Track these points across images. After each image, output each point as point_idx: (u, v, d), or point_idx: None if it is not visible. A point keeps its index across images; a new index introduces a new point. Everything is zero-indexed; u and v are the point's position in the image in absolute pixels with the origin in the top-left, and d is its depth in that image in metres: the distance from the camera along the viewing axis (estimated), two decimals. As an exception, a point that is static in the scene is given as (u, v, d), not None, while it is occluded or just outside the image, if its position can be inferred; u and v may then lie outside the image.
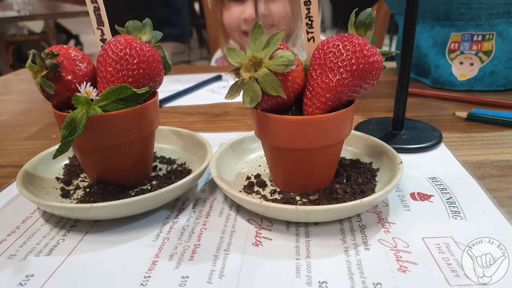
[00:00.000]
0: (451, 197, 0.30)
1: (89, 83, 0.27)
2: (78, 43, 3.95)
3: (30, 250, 0.26)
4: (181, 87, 0.56)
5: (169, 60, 0.31)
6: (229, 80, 0.62)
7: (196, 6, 3.58)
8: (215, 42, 1.06)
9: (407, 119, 0.41)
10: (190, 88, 0.56)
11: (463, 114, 0.44)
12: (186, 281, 0.22)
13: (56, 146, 0.34)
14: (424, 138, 0.38)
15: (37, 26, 2.98)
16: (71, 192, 0.30)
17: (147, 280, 0.22)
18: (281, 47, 0.26)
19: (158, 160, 0.34)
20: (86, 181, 0.32)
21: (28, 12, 1.72)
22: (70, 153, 0.35)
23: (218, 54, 0.94)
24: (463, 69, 0.52)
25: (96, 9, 0.31)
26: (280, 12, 0.76)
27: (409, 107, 0.48)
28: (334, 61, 0.25)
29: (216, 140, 0.40)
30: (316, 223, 0.27)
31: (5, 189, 0.33)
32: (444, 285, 0.21)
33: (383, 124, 0.41)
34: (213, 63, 0.94)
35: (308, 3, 0.28)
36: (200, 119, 0.47)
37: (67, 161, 0.35)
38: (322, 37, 0.61)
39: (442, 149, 0.37)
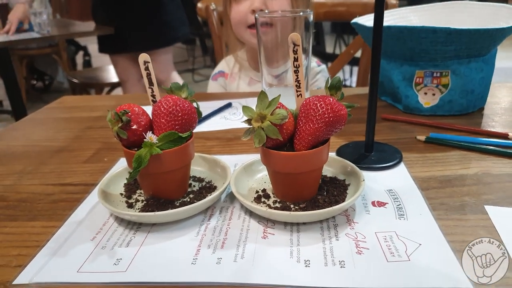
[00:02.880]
0: (400, 204, 0.42)
1: (151, 131, 0.40)
2: (87, 54, 4.11)
3: (114, 243, 0.38)
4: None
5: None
6: (238, 107, 0.74)
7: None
8: (220, 55, 1.16)
9: (377, 142, 0.54)
10: (207, 115, 0.69)
11: (422, 137, 0.56)
12: (220, 261, 0.35)
13: (117, 169, 0.47)
14: (388, 158, 0.50)
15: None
16: (133, 204, 0.43)
17: (196, 261, 0.35)
18: (279, 106, 0.39)
19: (191, 179, 0.47)
20: (142, 196, 0.45)
21: (47, 33, 1.86)
22: (126, 174, 0.48)
23: (218, 68, 1.02)
24: (427, 98, 0.64)
25: (148, 75, 0.44)
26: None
27: (382, 131, 0.61)
28: (314, 115, 0.38)
29: (231, 161, 0.53)
30: (304, 223, 0.40)
31: (83, 201, 0.46)
32: (384, 260, 0.34)
33: (358, 147, 0.53)
34: (210, 81, 1.02)
35: (297, 71, 0.41)
36: (217, 143, 0.60)
37: (125, 181, 0.48)
38: (314, 59, 0.79)
39: (401, 167, 0.50)
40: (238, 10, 0.84)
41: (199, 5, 1.16)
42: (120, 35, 1.81)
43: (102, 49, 1.92)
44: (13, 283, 0.34)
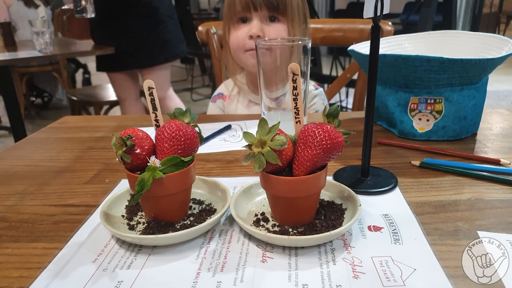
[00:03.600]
0: (395, 229, 0.43)
1: (154, 156, 0.41)
2: (86, 72, 4.15)
3: (115, 265, 0.39)
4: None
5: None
6: (237, 129, 0.76)
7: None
8: (219, 77, 1.19)
9: (373, 167, 0.56)
10: (207, 137, 0.70)
11: (417, 162, 0.58)
12: (220, 284, 0.36)
13: (118, 191, 0.48)
14: (383, 183, 0.52)
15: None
16: (135, 226, 0.44)
17: (196, 284, 0.36)
18: (278, 132, 0.40)
19: (192, 201, 0.48)
20: (144, 218, 0.46)
21: (49, 52, 1.89)
22: (128, 196, 0.49)
23: (218, 90, 1.04)
24: (421, 123, 0.66)
25: (152, 100, 0.45)
26: (278, 36, 0.84)
27: (378, 155, 0.62)
28: (312, 141, 0.40)
29: (231, 184, 0.54)
30: (302, 247, 0.40)
31: (85, 223, 0.47)
32: (380, 285, 0.35)
33: (354, 171, 0.55)
34: (210, 103, 1.04)
35: (296, 99, 0.43)
36: (217, 165, 0.61)
37: (127, 203, 0.48)
38: (312, 82, 0.80)
39: (396, 191, 0.51)
40: (236, 35, 0.87)
41: (200, 28, 1.20)
42: (118, 54, 1.84)
43: (99, 68, 1.95)
44: (15, 305, 0.34)
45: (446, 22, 2.86)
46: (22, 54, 1.97)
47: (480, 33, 0.75)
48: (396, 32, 0.98)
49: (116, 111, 2.63)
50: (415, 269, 0.37)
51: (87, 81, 4.13)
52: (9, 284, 0.37)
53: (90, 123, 0.86)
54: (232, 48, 0.89)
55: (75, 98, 2.44)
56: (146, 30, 1.81)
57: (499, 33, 5.84)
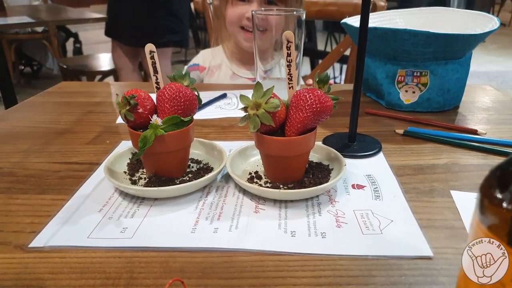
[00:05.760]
0: (377, 187, 0.47)
1: (156, 115, 0.44)
2: (77, 41, 4.07)
3: (120, 214, 0.43)
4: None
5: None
6: (232, 98, 0.79)
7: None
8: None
9: (360, 134, 0.59)
10: (203, 104, 0.73)
11: (401, 131, 0.62)
12: (217, 230, 0.40)
13: (119, 150, 0.51)
14: (368, 148, 0.56)
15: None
16: (137, 181, 0.48)
17: (195, 230, 0.40)
18: (272, 96, 0.43)
19: (190, 161, 0.52)
20: (145, 174, 0.49)
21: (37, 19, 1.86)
22: (129, 154, 0.52)
23: (194, 61, 1.03)
24: (407, 95, 0.70)
25: (153, 63, 0.47)
26: (275, 18, 0.89)
27: (365, 124, 0.66)
28: (303, 105, 0.43)
29: (226, 147, 0.57)
30: (291, 201, 0.44)
31: (89, 178, 0.50)
32: (360, 233, 0.39)
33: (342, 137, 0.58)
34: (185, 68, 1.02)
35: (289, 66, 0.45)
36: (213, 131, 0.64)
37: (128, 161, 0.51)
38: (305, 79, 0.82)
39: (380, 156, 0.55)
40: (234, 12, 0.89)
41: (196, -2, 1.20)
42: (121, 26, 1.84)
43: (107, 33, 1.95)
44: (29, 246, 0.38)
45: (441, 0, 2.86)
46: (12, 19, 1.94)
47: (468, 10, 0.77)
48: (391, 8, 1.00)
49: (109, 81, 2.62)
50: (392, 221, 0.41)
51: (78, 51, 4.06)
52: (22, 228, 0.41)
53: (87, 89, 0.88)
54: (228, 21, 0.91)
55: (66, 67, 2.42)
56: (134, 12, 1.80)
57: (493, 13, 5.84)
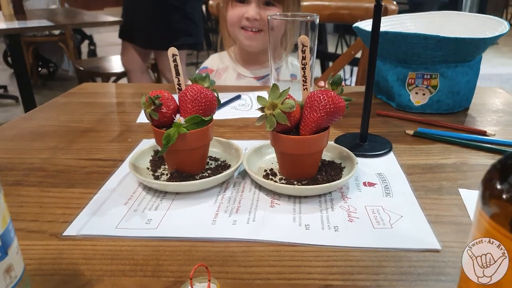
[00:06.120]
0: (387, 185, 0.49)
1: (179, 114, 0.47)
2: (92, 43, 4.16)
3: (144, 207, 0.46)
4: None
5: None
6: (246, 99, 0.81)
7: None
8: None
9: (371, 134, 0.61)
10: (219, 106, 0.76)
11: (411, 131, 0.64)
12: (235, 223, 0.42)
13: (141, 148, 0.54)
14: (379, 148, 0.58)
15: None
16: (159, 176, 0.50)
17: (215, 222, 0.42)
18: (288, 97, 0.46)
19: (208, 158, 0.54)
20: (166, 170, 0.52)
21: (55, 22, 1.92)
22: (151, 152, 0.55)
23: (204, 64, 1.07)
24: (418, 97, 0.72)
25: (175, 66, 0.50)
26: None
27: (376, 125, 0.68)
28: (317, 105, 0.45)
29: (242, 146, 0.59)
30: (305, 196, 0.47)
31: (114, 174, 0.53)
32: (371, 227, 0.41)
33: (354, 137, 0.60)
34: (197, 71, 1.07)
35: (304, 68, 0.48)
36: (229, 130, 0.67)
37: (150, 158, 0.55)
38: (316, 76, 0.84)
39: (390, 155, 0.57)
40: (234, 13, 0.93)
41: (211, 2, 1.23)
42: (136, 28, 1.88)
43: (120, 35, 2.00)
44: (63, 234, 0.41)
45: (453, 3, 2.86)
46: (31, 23, 2.00)
47: (478, 14, 0.79)
48: (402, 11, 1.02)
49: (123, 82, 2.67)
50: (401, 216, 0.43)
51: (92, 53, 4.14)
52: (56, 218, 0.44)
53: (108, 90, 0.92)
54: (229, 23, 0.95)
55: (82, 69, 2.48)
56: (153, 13, 1.84)
57: (507, 16, 5.77)
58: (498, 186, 0.22)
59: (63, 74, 3.89)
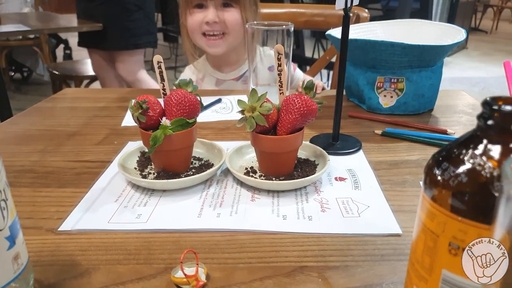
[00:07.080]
0: (356, 179, 0.54)
1: (165, 117, 0.50)
2: (67, 47, 4.10)
3: (134, 203, 0.49)
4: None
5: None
6: (226, 103, 0.85)
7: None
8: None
9: (343, 134, 0.66)
10: (202, 109, 0.80)
11: (379, 131, 0.69)
12: (219, 215, 0.46)
13: (129, 149, 0.58)
14: (350, 146, 0.63)
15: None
16: (146, 175, 0.54)
17: (200, 215, 0.46)
18: (266, 101, 0.50)
19: (192, 158, 0.58)
20: (153, 170, 0.55)
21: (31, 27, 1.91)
22: (138, 153, 0.58)
23: (182, 77, 1.06)
24: (386, 100, 0.78)
25: (160, 72, 0.54)
26: (233, 21, 0.91)
27: (348, 126, 0.73)
28: (292, 108, 0.50)
29: (223, 146, 0.63)
30: (283, 191, 0.51)
31: (102, 174, 0.56)
32: (341, 216, 0.46)
33: (327, 137, 0.65)
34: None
35: (280, 75, 0.52)
36: (211, 132, 0.71)
37: (137, 159, 0.58)
38: (299, 71, 0.91)
39: (360, 153, 0.62)
40: (193, 20, 0.93)
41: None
42: (98, 32, 1.90)
43: (80, 43, 2.00)
44: (59, 229, 0.44)
45: (423, 10, 2.98)
46: (7, 27, 1.98)
47: (441, 23, 0.86)
48: (377, 17, 1.08)
49: (96, 85, 2.65)
50: (368, 206, 0.48)
51: (68, 57, 4.08)
52: (50, 216, 0.47)
53: (90, 95, 0.94)
54: (190, 30, 0.96)
55: (56, 72, 2.45)
56: (111, 15, 1.87)
57: (475, 22, 6.00)
58: (436, 172, 0.27)
59: (37, 79, 3.83)
